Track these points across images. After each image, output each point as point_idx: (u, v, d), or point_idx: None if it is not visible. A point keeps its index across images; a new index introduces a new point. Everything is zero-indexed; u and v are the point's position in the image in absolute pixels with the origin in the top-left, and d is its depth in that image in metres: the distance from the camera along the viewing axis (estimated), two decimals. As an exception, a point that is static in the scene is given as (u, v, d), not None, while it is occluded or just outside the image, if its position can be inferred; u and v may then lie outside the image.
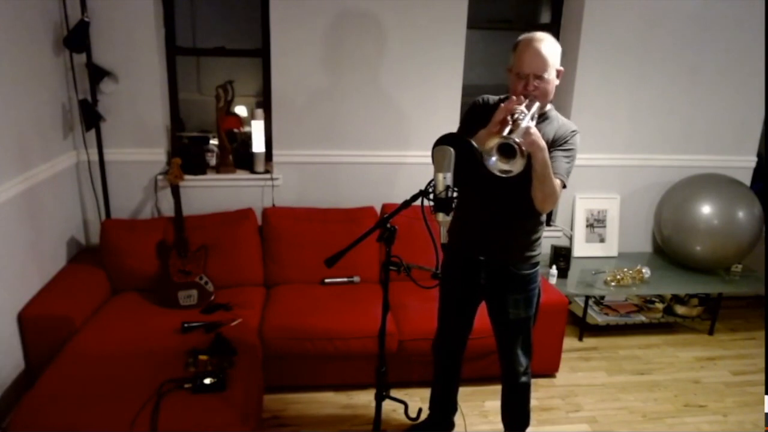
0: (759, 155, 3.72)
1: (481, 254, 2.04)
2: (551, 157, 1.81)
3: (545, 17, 3.65)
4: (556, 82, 1.88)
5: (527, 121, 1.71)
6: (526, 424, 2.26)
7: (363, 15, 3.06)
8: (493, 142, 1.63)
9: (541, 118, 1.92)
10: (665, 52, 3.41)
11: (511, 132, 1.64)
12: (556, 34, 3.50)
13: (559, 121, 1.95)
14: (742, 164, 3.70)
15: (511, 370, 2.15)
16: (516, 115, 1.71)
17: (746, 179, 3.69)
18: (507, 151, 1.63)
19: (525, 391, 2.20)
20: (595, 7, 3.26)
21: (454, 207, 2.13)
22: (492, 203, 1.96)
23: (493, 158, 1.65)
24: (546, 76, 1.83)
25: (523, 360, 2.14)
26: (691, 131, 3.60)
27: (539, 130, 1.79)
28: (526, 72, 1.83)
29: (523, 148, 1.61)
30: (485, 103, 2.01)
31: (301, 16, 3.01)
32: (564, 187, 1.87)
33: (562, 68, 1.89)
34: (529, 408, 2.25)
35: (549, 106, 1.94)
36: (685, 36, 3.40)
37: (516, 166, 1.64)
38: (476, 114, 1.98)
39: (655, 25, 3.34)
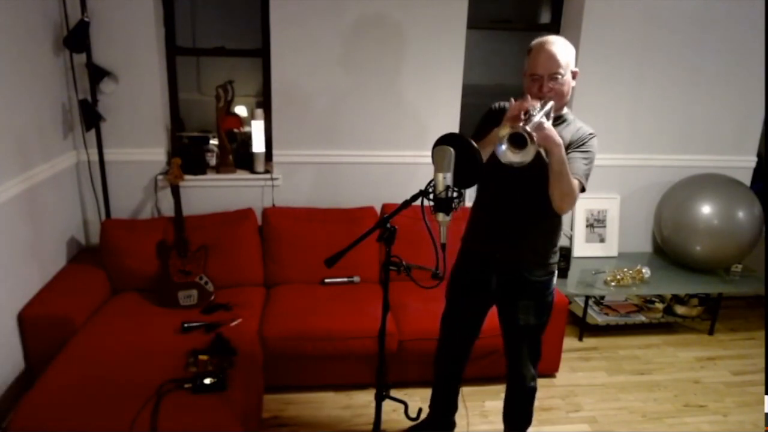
0: (759, 155, 3.72)
1: (495, 255, 2.02)
2: (569, 158, 1.80)
3: (545, 17, 3.65)
4: (573, 83, 1.89)
5: (540, 116, 1.71)
6: (528, 424, 2.26)
7: (363, 15, 3.06)
8: (504, 131, 1.65)
9: (559, 120, 1.92)
10: (665, 52, 3.41)
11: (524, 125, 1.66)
12: (556, 34, 3.49)
13: (576, 125, 1.95)
14: (742, 164, 3.70)
15: (519, 376, 2.15)
16: (529, 112, 1.72)
17: (746, 179, 3.69)
18: (517, 141, 1.64)
19: (531, 396, 2.20)
20: (595, 7, 3.25)
21: (471, 208, 2.12)
22: (508, 204, 1.96)
23: (503, 146, 1.66)
24: (560, 77, 1.83)
25: (531, 367, 2.14)
26: (691, 131, 3.60)
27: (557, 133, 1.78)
28: (540, 73, 1.84)
29: (534, 137, 1.61)
30: (501, 109, 1.99)
31: (301, 16, 3.01)
32: (583, 190, 1.87)
33: (577, 69, 1.89)
34: (532, 410, 2.24)
35: (566, 110, 1.95)
36: (685, 36, 3.40)
37: (528, 156, 1.63)
38: (491, 119, 1.97)
39: (655, 25, 3.34)
